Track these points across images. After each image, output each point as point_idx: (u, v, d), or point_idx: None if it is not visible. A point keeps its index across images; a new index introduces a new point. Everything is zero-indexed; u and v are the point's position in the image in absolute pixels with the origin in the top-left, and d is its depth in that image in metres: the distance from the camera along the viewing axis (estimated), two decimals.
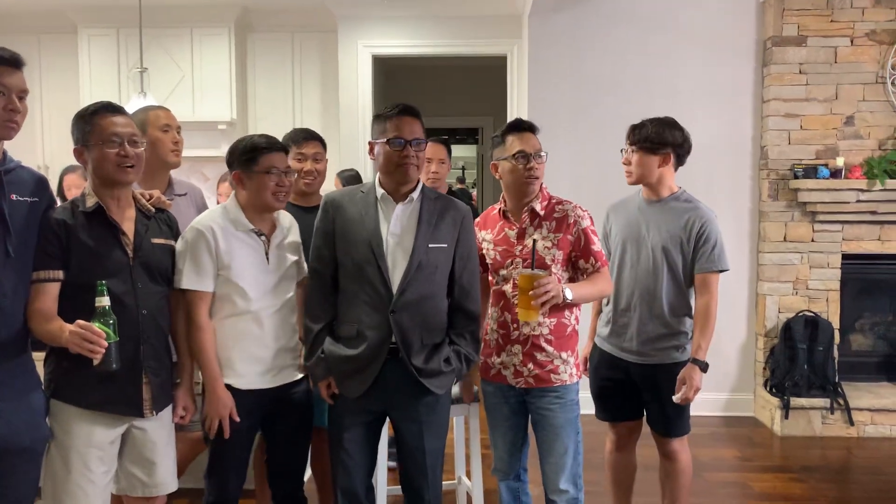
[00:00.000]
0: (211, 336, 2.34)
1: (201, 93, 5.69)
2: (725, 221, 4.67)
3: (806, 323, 4.57)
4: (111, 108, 2.20)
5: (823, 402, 4.47)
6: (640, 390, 2.80)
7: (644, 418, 2.89)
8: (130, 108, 2.49)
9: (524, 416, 2.58)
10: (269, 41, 5.87)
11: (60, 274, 2.08)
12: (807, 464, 4.04)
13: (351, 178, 4.40)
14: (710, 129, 4.67)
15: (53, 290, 2.07)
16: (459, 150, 13.17)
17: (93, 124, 2.15)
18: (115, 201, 2.18)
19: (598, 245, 2.52)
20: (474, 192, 10.73)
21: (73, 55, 5.71)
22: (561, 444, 2.48)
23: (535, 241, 2.44)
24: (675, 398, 2.65)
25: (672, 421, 2.76)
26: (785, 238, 4.68)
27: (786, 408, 4.46)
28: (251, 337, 2.36)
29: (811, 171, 4.56)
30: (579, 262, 2.51)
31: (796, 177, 4.59)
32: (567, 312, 2.51)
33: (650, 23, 4.80)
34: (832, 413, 4.45)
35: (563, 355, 2.49)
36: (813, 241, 4.67)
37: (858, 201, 4.52)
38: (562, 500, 2.49)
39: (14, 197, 2.00)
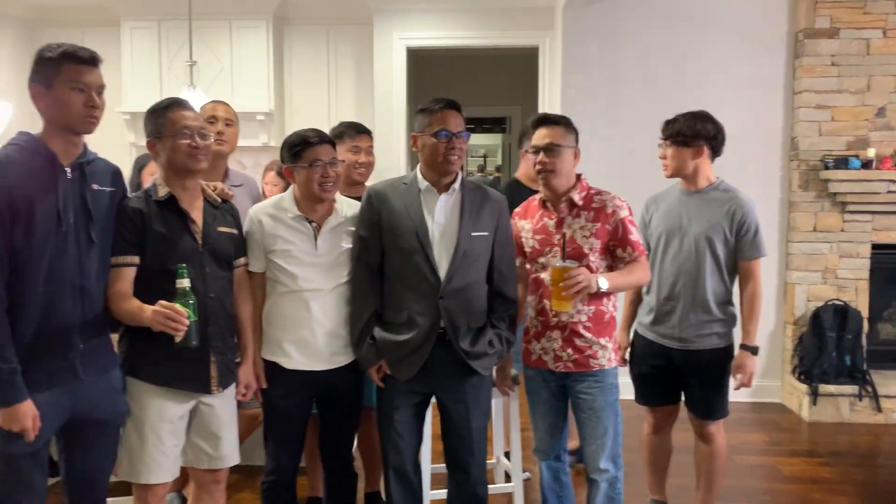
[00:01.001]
0: (253, 309, 2.52)
1: (240, 84, 5.81)
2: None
3: (835, 311, 4.64)
4: (181, 104, 2.34)
5: (852, 389, 4.54)
6: (681, 376, 2.90)
7: (681, 403, 2.99)
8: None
9: (564, 399, 2.68)
10: (305, 33, 5.97)
11: (137, 259, 2.22)
12: (835, 449, 4.13)
13: None
14: (741, 121, 4.72)
15: (130, 274, 2.22)
16: (483, 139, 13.31)
17: (166, 118, 2.28)
18: (185, 192, 2.32)
19: (635, 235, 2.59)
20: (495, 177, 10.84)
21: (115, 47, 5.84)
22: (601, 425, 2.57)
23: (564, 234, 2.52)
24: (733, 385, 2.79)
25: (714, 405, 2.88)
26: (815, 228, 4.74)
27: (814, 394, 4.54)
28: (298, 319, 2.49)
29: (842, 162, 4.61)
30: (617, 251, 2.59)
31: (827, 168, 4.65)
32: (605, 300, 2.59)
33: (683, 15, 4.86)
34: (860, 400, 4.53)
35: (602, 341, 2.57)
36: (842, 230, 4.73)
37: (889, 192, 4.57)
38: (602, 478, 2.59)
39: (95, 187, 2.13)
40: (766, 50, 4.84)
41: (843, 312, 4.63)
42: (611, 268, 2.61)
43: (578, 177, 2.63)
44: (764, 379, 4.94)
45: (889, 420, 4.53)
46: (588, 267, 2.52)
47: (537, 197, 2.70)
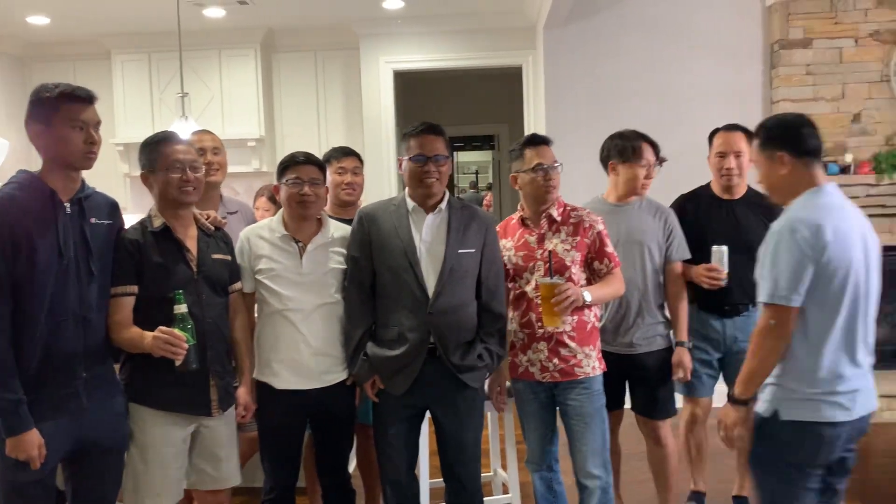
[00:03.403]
0: (248, 331, 2.61)
1: (230, 112, 5.92)
2: None
3: None
4: (172, 138, 2.44)
5: None
6: (627, 382, 3.04)
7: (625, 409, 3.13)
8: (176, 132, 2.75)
9: (552, 410, 2.76)
10: (293, 60, 6.08)
11: (135, 289, 2.30)
12: None
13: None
14: None
15: (129, 302, 2.30)
16: (474, 156, 13.48)
17: (158, 152, 2.37)
18: (179, 221, 2.40)
19: (611, 247, 2.72)
20: (489, 196, 10.98)
21: (107, 80, 5.94)
22: (591, 432, 2.65)
23: (550, 252, 2.62)
24: (678, 378, 2.99)
25: (663, 403, 3.04)
26: None
27: None
28: (286, 338, 2.57)
29: None
30: (594, 264, 2.71)
31: None
32: (587, 310, 2.69)
33: (661, 30, 5.00)
34: None
35: (586, 350, 2.67)
36: None
37: (868, 195, 4.68)
38: (594, 483, 2.66)
39: (93, 220, 2.21)
40: (743, 62, 4.97)
41: None
42: (589, 280, 2.73)
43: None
44: None
45: (879, 419, 4.59)
46: (571, 279, 2.62)
47: (516, 215, 2.80)
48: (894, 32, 4.74)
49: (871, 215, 4.59)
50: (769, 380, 2.15)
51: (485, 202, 11.27)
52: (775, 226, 2.12)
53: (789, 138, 2.20)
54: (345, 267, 2.65)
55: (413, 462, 2.68)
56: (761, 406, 2.16)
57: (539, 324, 2.64)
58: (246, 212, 3.15)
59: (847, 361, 2.09)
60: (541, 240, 2.70)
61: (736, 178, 3.14)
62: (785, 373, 2.11)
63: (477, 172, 14.61)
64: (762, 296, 2.10)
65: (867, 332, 2.13)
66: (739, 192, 3.19)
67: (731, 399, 2.20)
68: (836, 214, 2.12)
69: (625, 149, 2.98)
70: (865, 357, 2.12)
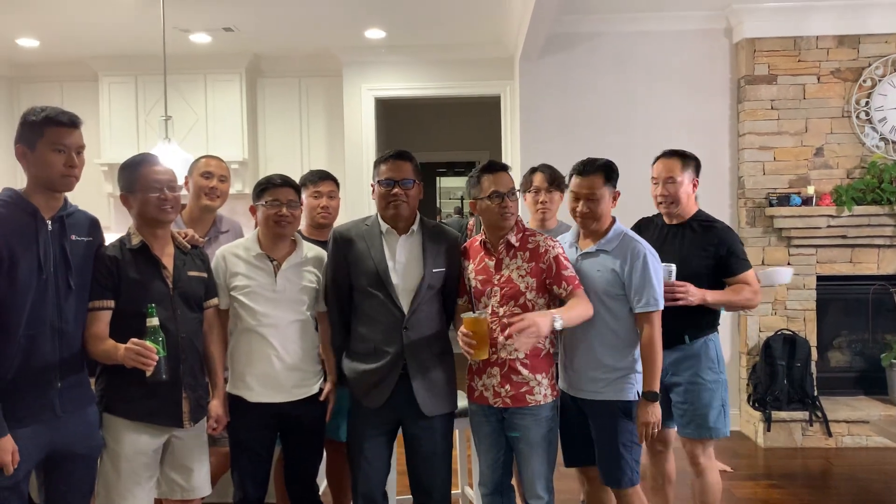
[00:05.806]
0: (223, 346, 2.71)
1: (215, 134, 6.04)
2: None
3: (784, 341, 4.87)
4: (151, 160, 2.55)
5: (803, 415, 4.75)
6: None
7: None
8: (158, 154, 2.89)
9: (504, 433, 2.76)
10: (278, 85, 6.23)
11: (112, 303, 2.40)
12: (787, 472, 4.32)
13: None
14: None
15: (106, 316, 2.39)
16: (458, 182, 13.64)
17: (137, 173, 2.49)
18: (157, 240, 2.51)
19: (570, 271, 2.66)
20: (472, 221, 11.12)
21: (94, 101, 6.06)
22: (538, 457, 2.69)
23: (471, 284, 2.70)
24: None
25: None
26: (763, 262, 5.00)
27: (768, 421, 4.74)
28: (259, 353, 2.67)
29: (784, 199, 4.90)
30: (553, 289, 2.68)
31: (771, 205, 4.93)
32: (542, 338, 2.67)
33: (633, 65, 5.19)
34: (811, 425, 4.74)
35: (538, 377, 2.67)
36: (789, 264, 4.99)
37: (829, 226, 4.86)
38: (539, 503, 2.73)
39: (74, 237, 2.32)
40: (711, 95, 5.17)
41: (791, 341, 4.86)
42: (549, 305, 2.70)
43: (517, 220, 2.78)
44: None
45: (839, 444, 4.73)
46: (525, 306, 2.65)
47: (479, 238, 2.83)
48: (854, 70, 4.96)
49: (831, 245, 4.90)
50: (626, 370, 2.72)
51: (468, 227, 11.41)
52: (640, 248, 2.69)
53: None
54: (316, 286, 2.77)
55: (384, 476, 2.76)
56: (628, 394, 2.71)
57: (493, 349, 2.66)
58: (237, 230, 3.31)
59: None
60: (498, 266, 2.72)
61: (670, 204, 3.09)
62: (637, 359, 2.73)
63: (462, 198, 14.75)
64: (657, 304, 2.66)
65: None
66: (683, 217, 3.11)
67: (654, 396, 2.66)
68: None
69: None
70: None
